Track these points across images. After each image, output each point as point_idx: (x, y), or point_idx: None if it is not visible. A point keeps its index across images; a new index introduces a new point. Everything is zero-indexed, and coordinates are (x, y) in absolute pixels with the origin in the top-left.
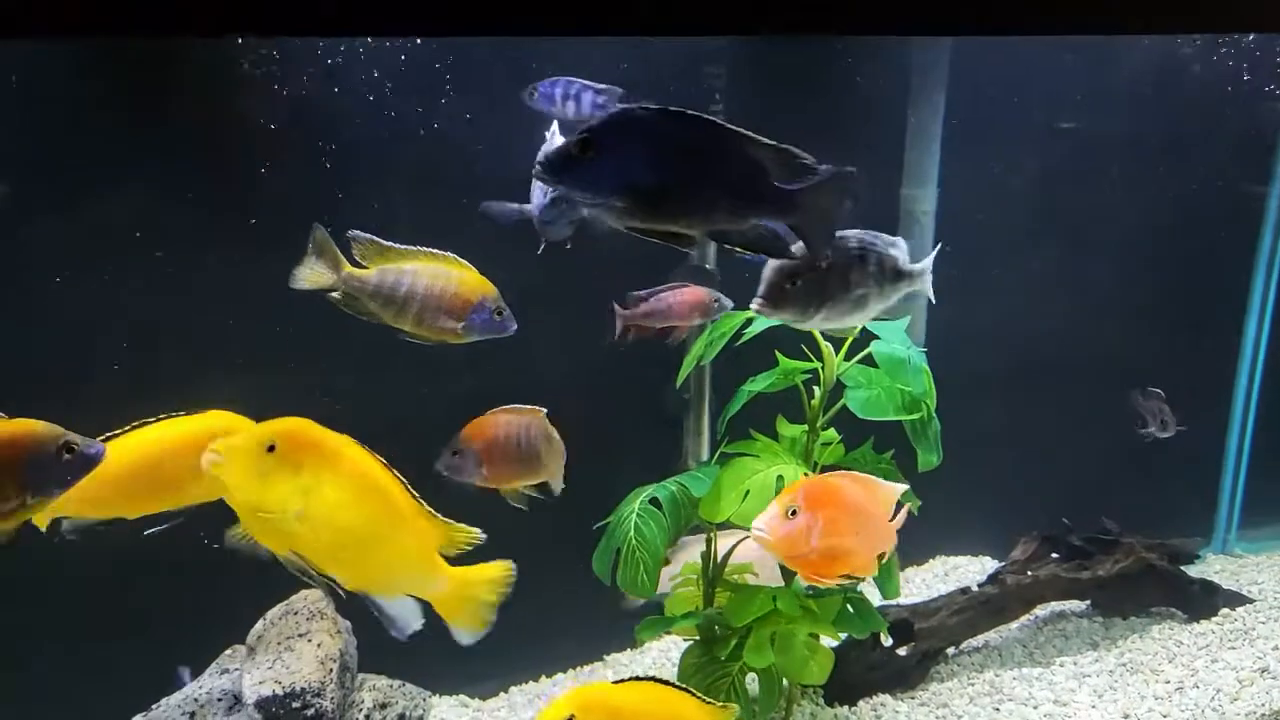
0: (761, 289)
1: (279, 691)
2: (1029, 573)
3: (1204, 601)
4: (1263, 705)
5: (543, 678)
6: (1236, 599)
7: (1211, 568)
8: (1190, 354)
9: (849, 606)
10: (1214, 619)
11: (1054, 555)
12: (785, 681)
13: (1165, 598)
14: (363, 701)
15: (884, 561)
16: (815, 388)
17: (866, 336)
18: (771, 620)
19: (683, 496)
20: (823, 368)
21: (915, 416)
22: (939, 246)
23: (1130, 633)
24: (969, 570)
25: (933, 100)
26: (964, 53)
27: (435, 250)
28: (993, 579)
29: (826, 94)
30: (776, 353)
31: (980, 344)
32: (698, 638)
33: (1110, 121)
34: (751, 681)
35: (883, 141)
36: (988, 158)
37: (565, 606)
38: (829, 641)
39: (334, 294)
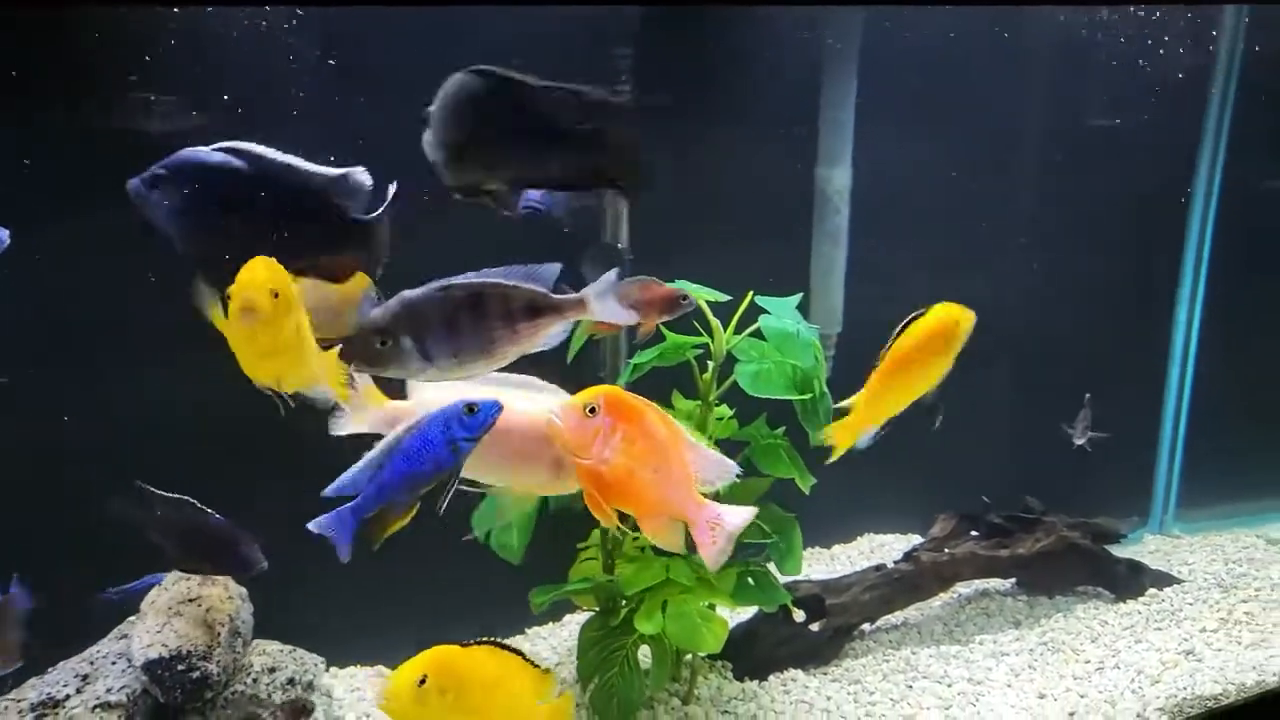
0: (356, 351)
1: (165, 654)
2: (946, 550)
3: (1131, 581)
4: (1184, 689)
5: None
6: (1165, 579)
7: (1146, 548)
8: (1123, 335)
9: (750, 579)
10: (1141, 599)
11: (973, 533)
12: (689, 655)
13: (1091, 578)
14: (252, 665)
15: (786, 539)
16: (709, 362)
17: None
18: (665, 589)
19: None
20: (713, 341)
21: (805, 396)
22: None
23: (1055, 612)
24: (895, 548)
25: (845, 78)
26: (876, 29)
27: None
28: (908, 556)
29: (737, 73)
30: (661, 327)
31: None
32: (596, 609)
33: (1033, 102)
34: (649, 656)
35: (797, 121)
36: (905, 137)
37: (486, 577)
38: (739, 615)
39: None
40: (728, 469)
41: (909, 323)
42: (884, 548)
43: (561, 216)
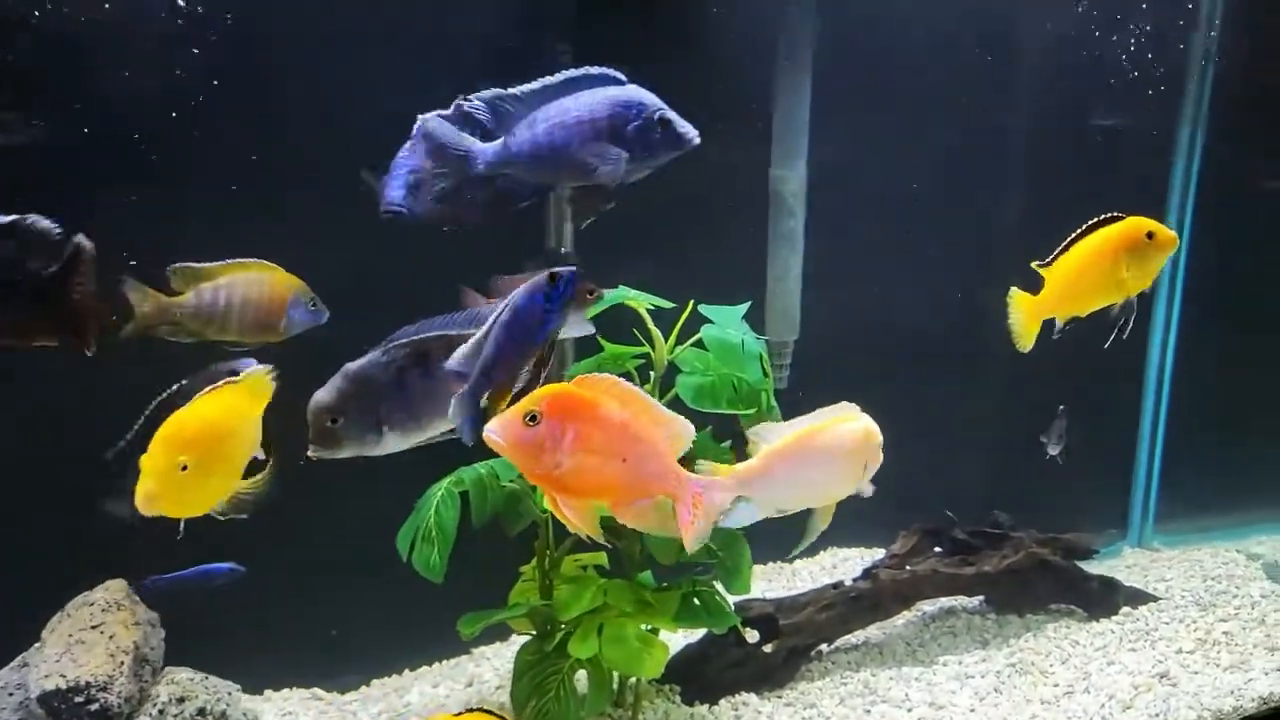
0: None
1: (62, 685)
2: (907, 568)
3: (1104, 599)
4: (1157, 715)
5: (406, 671)
6: (1141, 597)
7: (1124, 562)
8: (1099, 340)
9: (696, 600)
10: (1115, 618)
11: (937, 550)
12: (632, 679)
13: (1062, 595)
14: (158, 695)
15: (732, 556)
16: (653, 372)
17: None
18: (602, 613)
19: (490, 480)
20: (654, 351)
21: (750, 411)
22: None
23: (1024, 631)
24: (859, 563)
25: (800, 76)
26: (832, 26)
27: (242, 259)
28: (867, 574)
29: (686, 63)
30: (598, 337)
31: (877, 330)
32: (534, 632)
33: (999, 94)
34: (585, 680)
35: (752, 119)
36: (866, 135)
37: (432, 597)
38: (688, 635)
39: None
40: (690, 433)
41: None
42: (847, 562)
43: (421, 215)
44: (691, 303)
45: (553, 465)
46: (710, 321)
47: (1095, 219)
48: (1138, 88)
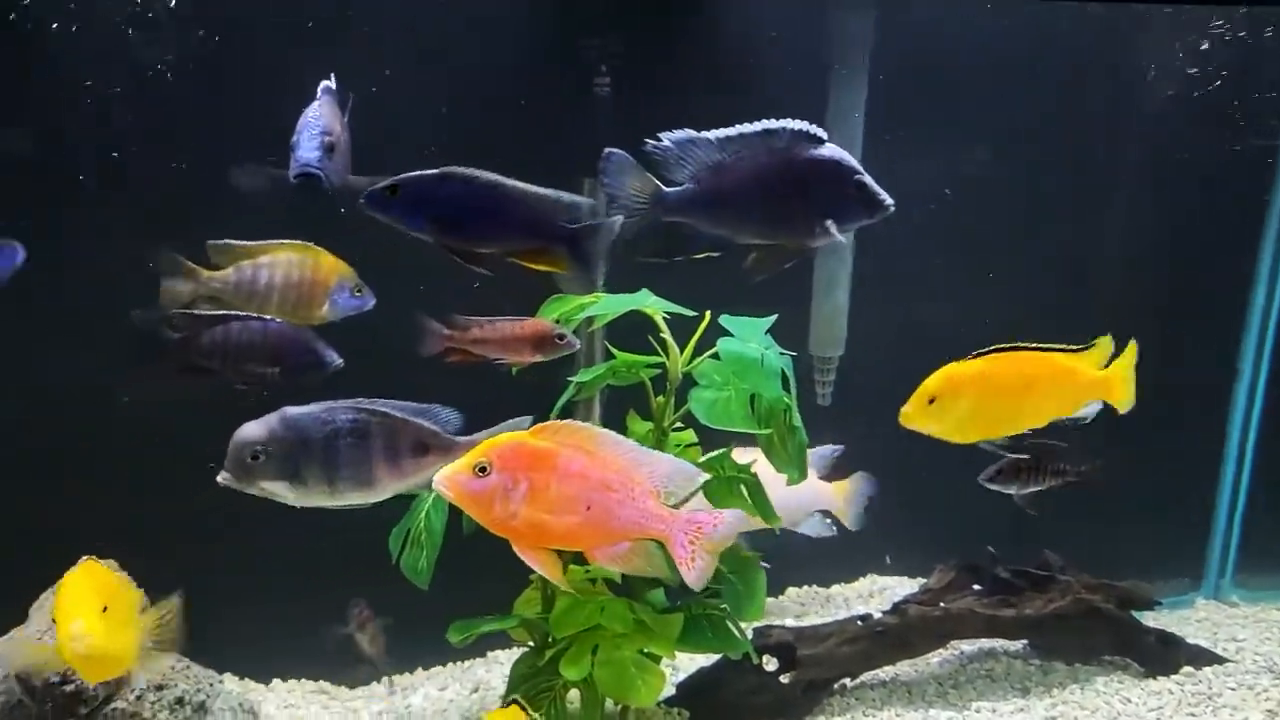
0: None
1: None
2: (940, 605)
3: (1163, 656)
4: None
5: (419, 669)
6: (1206, 656)
7: (1195, 615)
8: (1179, 369)
9: (705, 623)
10: (1175, 677)
11: (975, 587)
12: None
13: (1117, 647)
14: (137, 681)
15: (745, 580)
16: (669, 383)
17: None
18: (598, 632)
19: None
20: (669, 361)
21: (766, 431)
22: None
23: (1070, 682)
24: (899, 593)
25: (854, 85)
26: (892, 25)
27: (288, 240)
28: (896, 608)
29: (737, 66)
30: (608, 345)
31: (929, 348)
32: (532, 644)
33: (1080, 96)
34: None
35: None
36: (923, 141)
37: (447, 597)
38: (702, 659)
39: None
40: (690, 476)
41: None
42: (885, 592)
43: (338, 183)
44: (708, 313)
45: (507, 516)
46: (729, 334)
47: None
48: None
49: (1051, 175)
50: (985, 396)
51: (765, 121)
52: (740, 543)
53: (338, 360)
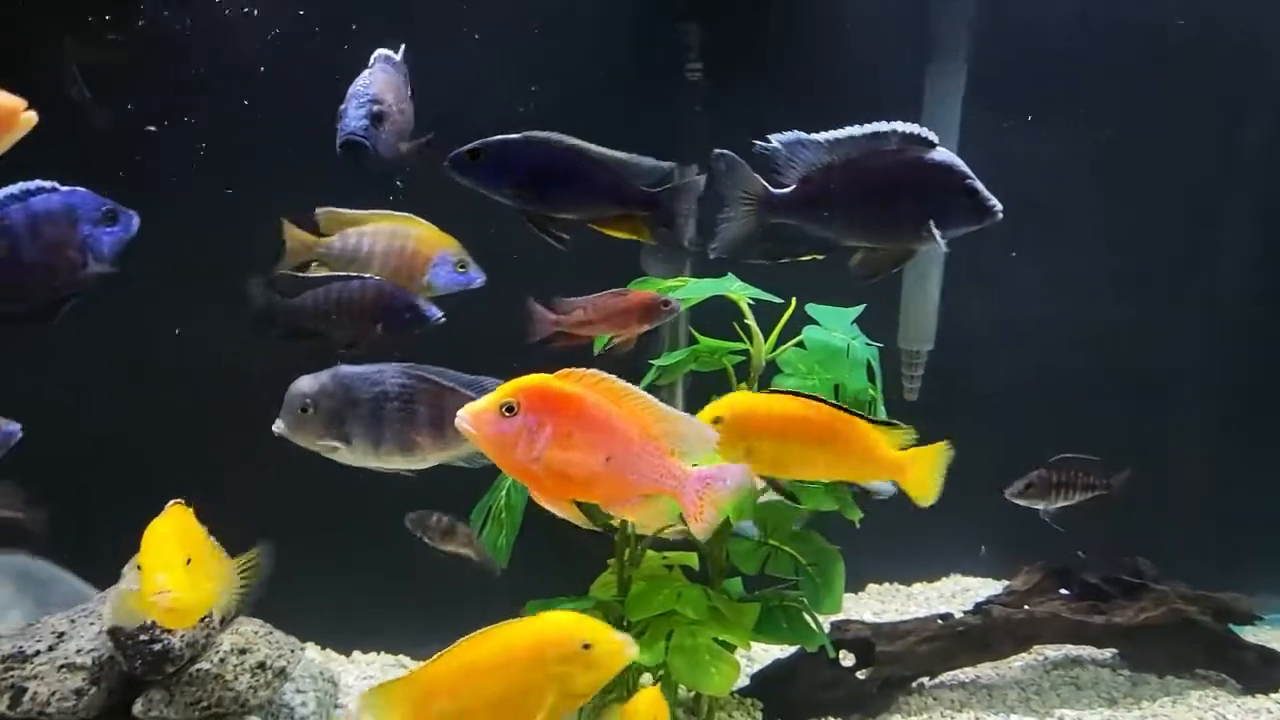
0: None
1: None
2: (1025, 607)
3: (1263, 673)
4: None
5: None
6: None
7: None
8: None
9: (780, 614)
10: (1275, 695)
11: (1063, 591)
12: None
13: (1213, 662)
14: (221, 644)
15: (824, 573)
16: (752, 370)
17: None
18: (673, 618)
19: None
20: (752, 348)
21: None
22: None
23: (1161, 695)
24: (982, 595)
25: (954, 66)
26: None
27: (394, 211)
28: (978, 608)
29: (831, 51)
30: (692, 330)
31: (1021, 344)
32: None
33: (1183, 84)
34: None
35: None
36: (1024, 128)
37: (537, 576)
38: (778, 650)
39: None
40: (706, 439)
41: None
42: (968, 592)
43: (385, 154)
44: (793, 300)
45: (529, 460)
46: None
47: None
48: None
49: (1159, 167)
50: (769, 435)
51: (874, 124)
52: (818, 535)
53: (439, 315)
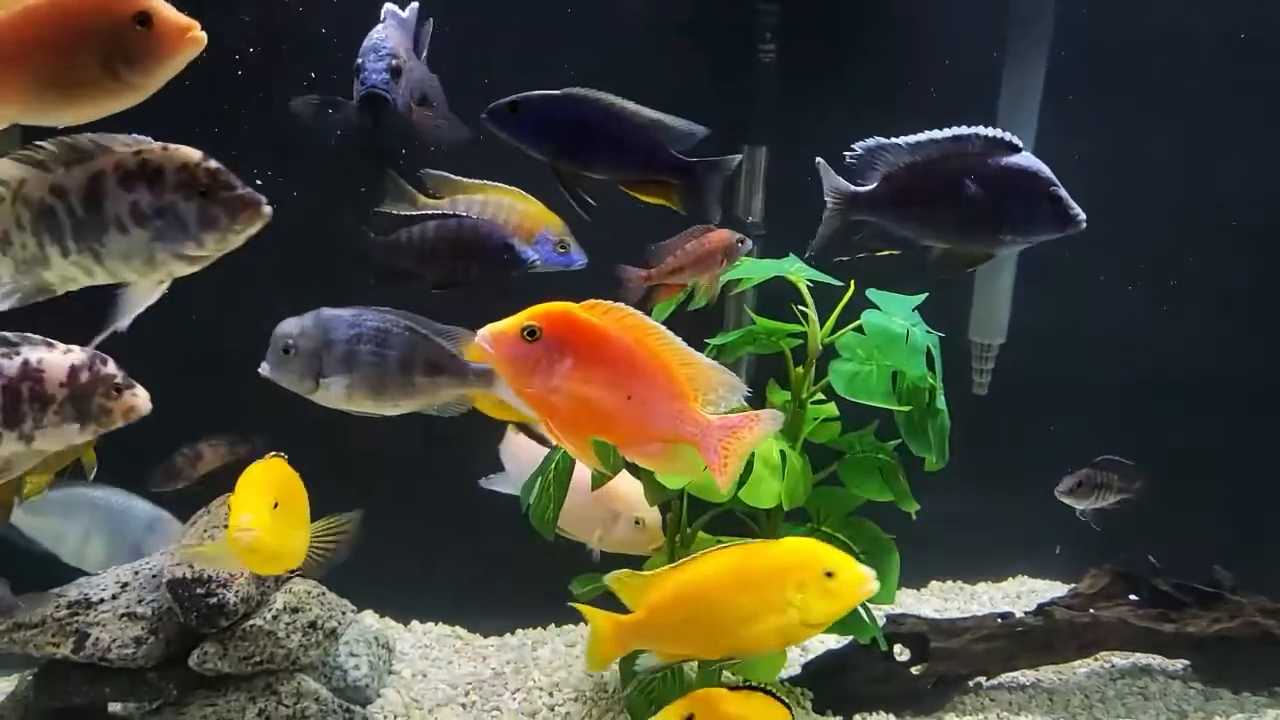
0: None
1: (187, 575)
2: (1090, 610)
3: None
4: None
5: (550, 625)
6: None
7: None
8: None
9: None
10: None
11: (1132, 597)
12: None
13: None
14: (275, 602)
15: (878, 563)
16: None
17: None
18: None
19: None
20: (809, 331)
21: (906, 408)
22: None
23: (1235, 711)
24: (1047, 597)
25: (1031, 63)
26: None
27: (502, 185)
28: (1040, 609)
29: (907, 40)
30: (748, 310)
31: (1096, 341)
32: None
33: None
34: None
35: (970, 107)
36: (1104, 119)
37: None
38: (832, 640)
39: None
40: (734, 386)
41: None
42: (1034, 594)
43: (403, 108)
44: (852, 284)
45: (546, 388)
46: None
47: None
48: None
49: (1238, 161)
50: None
51: (957, 128)
52: (872, 523)
53: (535, 257)
